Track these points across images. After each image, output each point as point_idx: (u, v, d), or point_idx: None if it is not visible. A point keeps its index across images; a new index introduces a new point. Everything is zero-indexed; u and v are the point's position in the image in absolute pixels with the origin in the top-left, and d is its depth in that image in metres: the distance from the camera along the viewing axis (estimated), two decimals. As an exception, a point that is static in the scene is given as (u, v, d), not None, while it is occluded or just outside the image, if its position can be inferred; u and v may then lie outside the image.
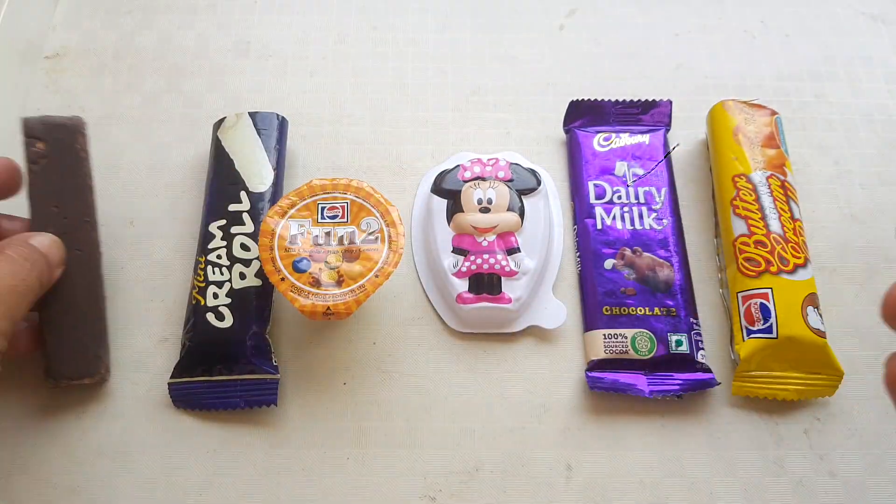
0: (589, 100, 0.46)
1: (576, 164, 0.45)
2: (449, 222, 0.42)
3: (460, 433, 0.39)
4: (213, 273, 0.39)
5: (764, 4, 0.54)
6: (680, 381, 0.38)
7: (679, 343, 0.39)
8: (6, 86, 0.47)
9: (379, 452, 0.38)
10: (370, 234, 0.38)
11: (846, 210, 0.46)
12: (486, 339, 0.41)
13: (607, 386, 0.38)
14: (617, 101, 0.47)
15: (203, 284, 0.39)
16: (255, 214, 0.40)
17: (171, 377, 0.38)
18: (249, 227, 0.40)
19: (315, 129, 0.48)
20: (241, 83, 0.50)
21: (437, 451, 0.38)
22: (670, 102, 0.46)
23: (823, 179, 0.47)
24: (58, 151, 0.38)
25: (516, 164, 0.44)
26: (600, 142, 0.45)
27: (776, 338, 0.38)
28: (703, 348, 0.40)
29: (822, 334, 0.38)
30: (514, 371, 0.40)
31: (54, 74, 0.50)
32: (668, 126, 0.46)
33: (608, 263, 0.41)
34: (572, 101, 0.46)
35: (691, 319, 0.40)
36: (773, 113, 0.45)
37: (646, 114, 0.46)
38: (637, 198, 0.43)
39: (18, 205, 0.37)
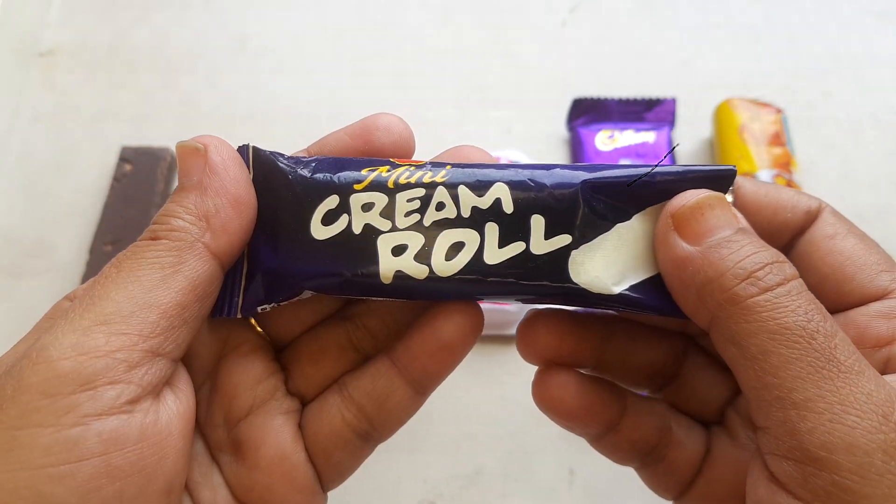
0: (592, 97, 0.46)
1: (578, 162, 0.45)
2: (449, 222, 0.41)
3: (461, 437, 0.38)
4: None
5: (770, 1, 0.53)
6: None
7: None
8: (0, 83, 0.47)
9: (378, 457, 0.37)
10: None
11: (853, 209, 0.45)
12: (486, 341, 0.40)
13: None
14: (620, 98, 0.46)
15: None
16: None
17: None
18: None
19: (313, 127, 0.47)
20: (238, 80, 0.49)
21: (437, 455, 0.38)
22: (674, 100, 0.46)
23: (830, 178, 0.46)
24: (139, 173, 0.44)
25: (517, 162, 0.43)
26: (603, 140, 0.45)
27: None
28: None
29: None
30: (516, 373, 0.40)
31: (49, 72, 0.49)
32: (672, 124, 0.46)
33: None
34: (575, 99, 0.46)
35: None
36: (779, 111, 0.44)
37: (650, 111, 0.46)
38: (641, 197, 0.42)
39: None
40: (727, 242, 0.17)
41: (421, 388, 0.22)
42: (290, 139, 0.46)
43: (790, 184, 0.41)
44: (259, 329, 0.22)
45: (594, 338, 0.21)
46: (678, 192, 0.19)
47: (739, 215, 0.18)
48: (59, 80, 0.49)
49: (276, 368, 0.22)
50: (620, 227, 0.19)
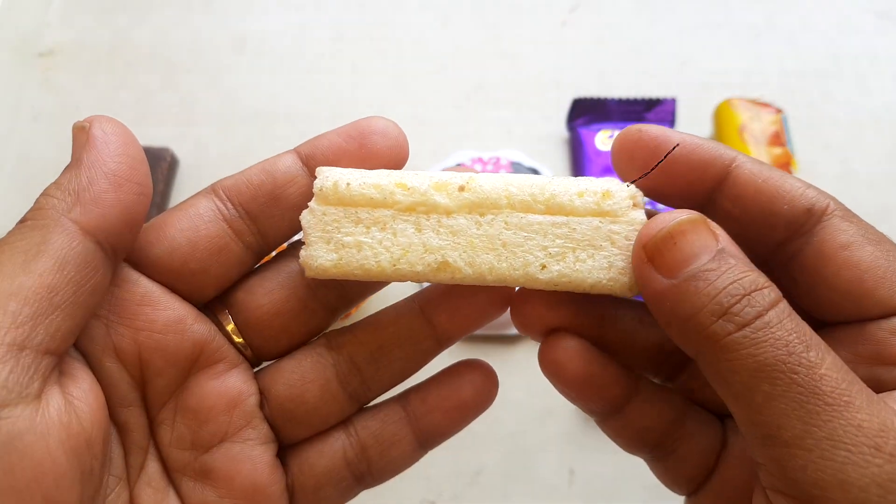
0: (592, 97, 0.46)
1: (578, 162, 0.45)
2: (450, 222, 0.41)
3: (462, 436, 0.38)
4: None
5: (770, 1, 0.53)
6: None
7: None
8: (0, 83, 0.47)
9: (378, 456, 0.37)
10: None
11: (852, 209, 0.45)
12: (487, 341, 0.41)
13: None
14: (620, 98, 0.46)
15: None
16: None
17: None
18: None
19: (312, 126, 0.47)
20: (238, 80, 0.49)
21: (438, 455, 0.37)
22: (674, 100, 0.46)
23: (829, 178, 0.46)
24: None
25: (518, 162, 0.43)
26: (603, 140, 0.45)
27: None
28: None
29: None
30: (516, 374, 0.40)
31: (49, 72, 0.49)
32: (672, 124, 0.46)
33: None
34: (575, 99, 0.46)
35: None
36: (779, 111, 0.44)
37: (650, 112, 0.46)
38: (641, 197, 0.43)
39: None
40: (703, 273, 0.16)
41: (426, 441, 0.22)
42: (289, 139, 0.46)
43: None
44: (239, 339, 0.21)
45: (593, 313, 0.20)
46: None
47: (719, 231, 0.17)
48: (59, 80, 0.49)
49: (253, 390, 0.21)
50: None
